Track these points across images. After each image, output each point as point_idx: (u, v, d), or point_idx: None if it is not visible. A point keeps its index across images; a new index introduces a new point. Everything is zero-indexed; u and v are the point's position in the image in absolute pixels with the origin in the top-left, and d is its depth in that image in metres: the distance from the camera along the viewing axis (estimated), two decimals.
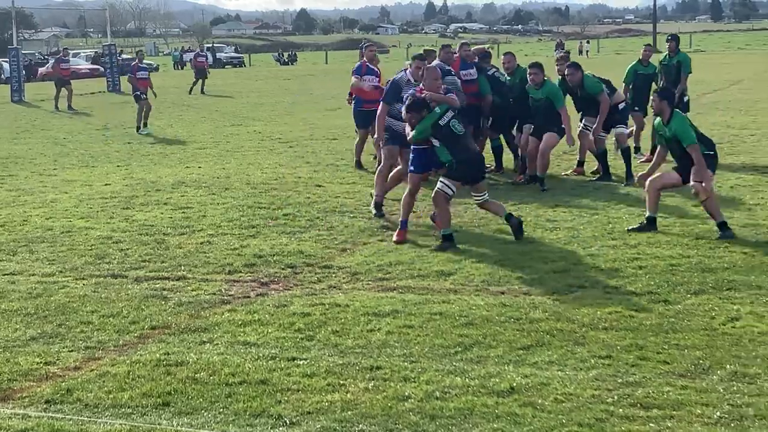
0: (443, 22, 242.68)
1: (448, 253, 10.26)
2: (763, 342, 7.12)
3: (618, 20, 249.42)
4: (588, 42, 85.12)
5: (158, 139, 23.17)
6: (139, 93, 25.62)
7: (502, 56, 15.16)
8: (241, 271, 9.87)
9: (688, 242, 10.35)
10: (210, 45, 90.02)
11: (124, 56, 70.47)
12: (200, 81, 41.22)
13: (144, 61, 27.59)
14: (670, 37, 17.41)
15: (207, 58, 45.25)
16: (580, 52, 78.37)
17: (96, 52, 71.88)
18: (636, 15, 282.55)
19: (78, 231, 12.06)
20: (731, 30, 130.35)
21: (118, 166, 18.38)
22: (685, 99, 16.78)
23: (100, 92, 43.48)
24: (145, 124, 25.05)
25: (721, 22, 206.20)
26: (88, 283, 9.54)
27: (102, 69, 52.88)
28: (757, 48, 75.06)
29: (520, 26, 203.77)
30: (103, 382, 6.75)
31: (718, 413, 5.85)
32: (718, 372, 6.55)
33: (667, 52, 17.16)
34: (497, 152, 15.97)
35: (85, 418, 6.10)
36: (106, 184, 15.96)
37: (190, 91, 40.69)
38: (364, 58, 17.00)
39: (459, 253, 10.26)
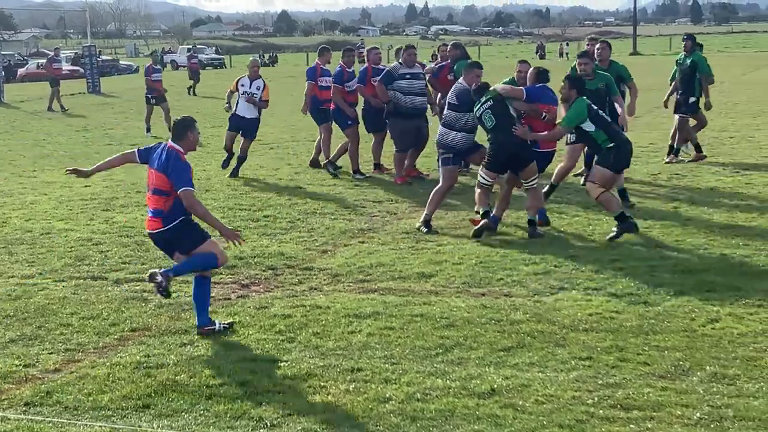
0: (424, 23, 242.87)
1: (429, 255, 10.28)
2: (742, 343, 7.16)
3: (598, 22, 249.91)
4: (568, 44, 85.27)
5: (139, 141, 23.06)
6: (150, 96, 24.94)
7: (518, 64, 13.17)
8: (221, 273, 9.84)
9: (669, 244, 10.40)
10: (191, 46, 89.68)
11: (103, 57, 70.28)
12: (194, 82, 41.46)
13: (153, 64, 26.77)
14: (686, 37, 17.45)
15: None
16: (561, 54, 78.55)
17: (76, 53, 71.46)
18: (616, 17, 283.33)
19: (58, 233, 12.01)
20: (711, 33, 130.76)
21: None
22: (690, 101, 16.73)
23: (80, 93, 43.26)
24: (148, 128, 24.61)
25: (701, 24, 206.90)
26: (67, 285, 9.50)
27: (82, 70, 52.65)
28: (737, 51, 75.47)
29: (500, 28, 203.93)
30: (83, 384, 6.73)
31: (697, 414, 5.88)
32: (698, 373, 6.58)
33: (682, 52, 17.20)
34: None
35: (65, 421, 6.08)
36: (86, 186, 15.88)
37: (193, 91, 40.83)
38: (318, 61, 16.98)
39: (440, 255, 10.27)
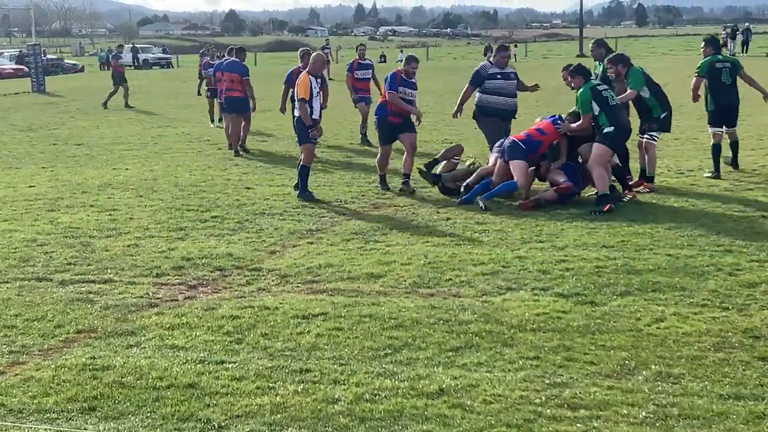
0: (373, 24, 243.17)
1: (378, 256, 10.28)
2: (687, 342, 7.24)
3: (545, 24, 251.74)
4: (516, 46, 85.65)
5: (84, 141, 22.83)
6: (207, 88, 25.88)
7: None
8: (168, 274, 9.78)
9: (615, 244, 10.49)
10: (131, 45, 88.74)
11: (49, 56, 69.40)
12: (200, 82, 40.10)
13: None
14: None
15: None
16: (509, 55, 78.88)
17: (20, 51, 70.50)
18: (563, 20, 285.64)
19: (1, 233, 11.85)
20: (656, 35, 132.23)
21: (43, 167, 18.10)
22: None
23: (24, 93, 42.76)
24: (212, 119, 25.72)
25: (646, 27, 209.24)
26: (11, 287, 9.38)
27: (26, 69, 51.98)
28: (681, 53, 76.35)
29: (449, 29, 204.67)
30: (28, 386, 6.64)
31: (643, 413, 5.94)
32: (644, 372, 6.64)
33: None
34: None
35: (9, 424, 6.00)
36: (30, 186, 15.71)
37: (198, 90, 39.29)
38: (298, 65, 17.27)
39: (388, 255, 10.28)
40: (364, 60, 21.86)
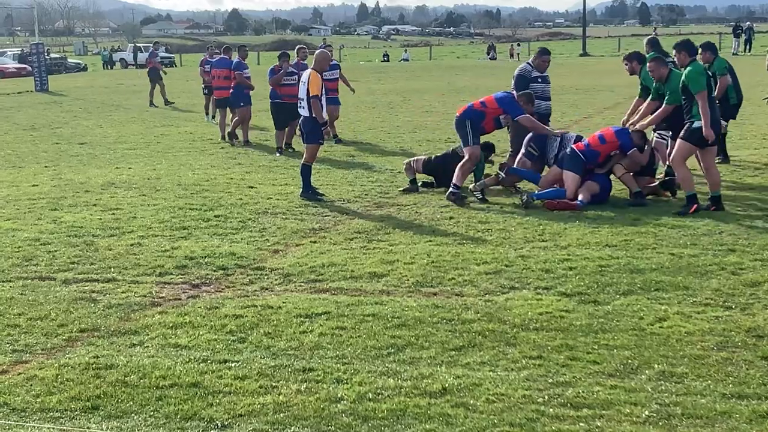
0: (376, 23, 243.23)
1: (381, 255, 10.28)
2: (689, 342, 7.24)
3: (548, 24, 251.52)
4: (519, 45, 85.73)
5: (87, 140, 22.85)
6: (203, 86, 26.73)
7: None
8: (172, 273, 9.78)
9: (617, 243, 10.48)
10: (133, 44, 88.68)
11: (52, 55, 69.40)
12: None
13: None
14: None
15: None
16: (512, 55, 78.89)
17: (23, 50, 70.49)
18: (566, 19, 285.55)
19: (4, 233, 11.85)
20: (660, 34, 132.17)
21: (46, 166, 18.11)
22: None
23: (27, 92, 42.77)
24: (207, 113, 26.91)
25: (649, 26, 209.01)
26: (15, 286, 9.39)
27: (29, 68, 52.01)
28: None
29: (452, 29, 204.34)
30: (31, 385, 6.65)
31: (646, 412, 5.93)
32: (647, 371, 6.64)
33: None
34: None
35: (12, 423, 6.01)
36: (33, 185, 15.71)
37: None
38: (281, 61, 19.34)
39: (391, 255, 10.28)
40: (332, 60, 22.01)
